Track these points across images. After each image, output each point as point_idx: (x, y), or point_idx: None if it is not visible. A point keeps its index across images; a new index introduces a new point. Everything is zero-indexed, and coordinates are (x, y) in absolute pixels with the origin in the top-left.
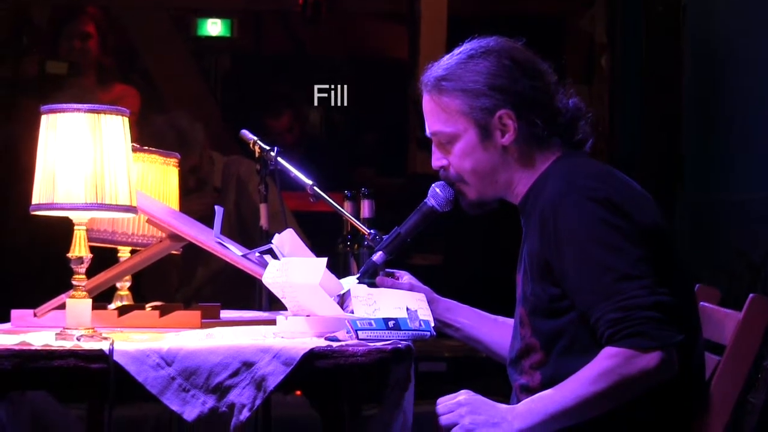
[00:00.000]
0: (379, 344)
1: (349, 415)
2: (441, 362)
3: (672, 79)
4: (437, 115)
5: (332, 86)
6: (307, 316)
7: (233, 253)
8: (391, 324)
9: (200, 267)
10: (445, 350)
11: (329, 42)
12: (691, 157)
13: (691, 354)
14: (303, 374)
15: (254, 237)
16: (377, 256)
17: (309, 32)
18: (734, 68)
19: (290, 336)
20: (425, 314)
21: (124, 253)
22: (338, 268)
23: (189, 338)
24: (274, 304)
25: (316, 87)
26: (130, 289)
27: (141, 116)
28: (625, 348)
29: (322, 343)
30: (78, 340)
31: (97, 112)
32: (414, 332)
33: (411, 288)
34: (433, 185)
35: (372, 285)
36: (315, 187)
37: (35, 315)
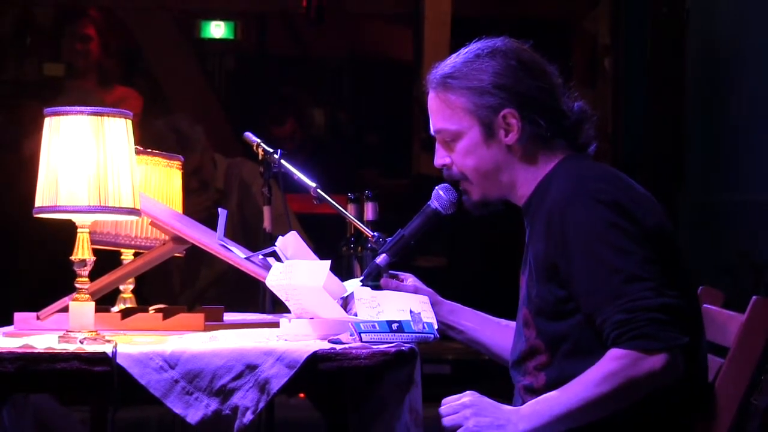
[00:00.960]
0: (382, 347)
1: (352, 417)
2: (445, 365)
3: (675, 81)
4: (442, 112)
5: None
6: (311, 318)
7: (236, 255)
8: (394, 326)
9: (203, 270)
10: (449, 353)
11: (333, 44)
12: (695, 158)
13: (694, 356)
14: (306, 377)
15: (257, 239)
16: (381, 259)
17: (313, 34)
18: (737, 70)
19: (293, 338)
20: (429, 316)
21: (127, 255)
22: (342, 271)
23: (192, 341)
24: (277, 306)
25: (319, 89)
26: (133, 291)
27: (143, 118)
28: (630, 350)
29: (326, 345)
30: (81, 342)
31: (101, 114)
32: (417, 335)
33: (415, 290)
34: (436, 188)
35: (375, 287)
36: (318, 190)
37: (38, 318)
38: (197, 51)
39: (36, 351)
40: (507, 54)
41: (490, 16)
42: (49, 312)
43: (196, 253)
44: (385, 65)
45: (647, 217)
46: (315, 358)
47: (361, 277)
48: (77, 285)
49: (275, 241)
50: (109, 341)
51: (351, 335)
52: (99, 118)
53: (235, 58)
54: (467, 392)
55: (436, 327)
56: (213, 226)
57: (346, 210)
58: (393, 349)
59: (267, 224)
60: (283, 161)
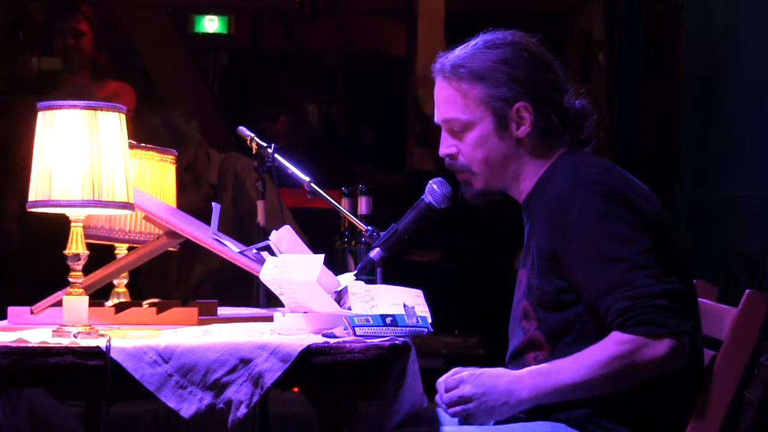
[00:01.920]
0: (376, 341)
1: (346, 411)
2: (438, 359)
3: (670, 76)
4: (454, 102)
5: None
6: (305, 312)
7: (230, 249)
8: (388, 320)
9: (197, 264)
10: (442, 347)
11: (327, 39)
12: (689, 154)
13: (696, 341)
14: (300, 371)
15: (251, 233)
16: (374, 253)
17: (307, 29)
18: (732, 65)
19: (287, 333)
20: (422, 310)
21: (121, 250)
22: (336, 265)
23: (186, 335)
24: (271, 300)
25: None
26: (127, 286)
27: (137, 113)
28: (635, 335)
29: (320, 339)
30: (75, 337)
31: (94, 108)
32: (411, 328)
33: None
34: (430, 182)
35: (369, 281)
36: (312, 184)
37: (32, 312)
38: (191, 46)
39: (30, 345)
40: (519, 46)
41: (484, 12)
42: (43, 306)
43: (190, 247)
44: (379, 61)
45: (647, 206)
46: (309, 352)
47: (355, 271)
48: (71, 279)
49: (269, 235)
50: (102, 335)
51: (345, 329)
52: (92, 112)
53: (228, 53)
54: (464, 375)
55: (429, 321)
56: (207, 221)
57: (339, 204)
58: (387, 343)
59: (261, 218)
60: (276, 155)
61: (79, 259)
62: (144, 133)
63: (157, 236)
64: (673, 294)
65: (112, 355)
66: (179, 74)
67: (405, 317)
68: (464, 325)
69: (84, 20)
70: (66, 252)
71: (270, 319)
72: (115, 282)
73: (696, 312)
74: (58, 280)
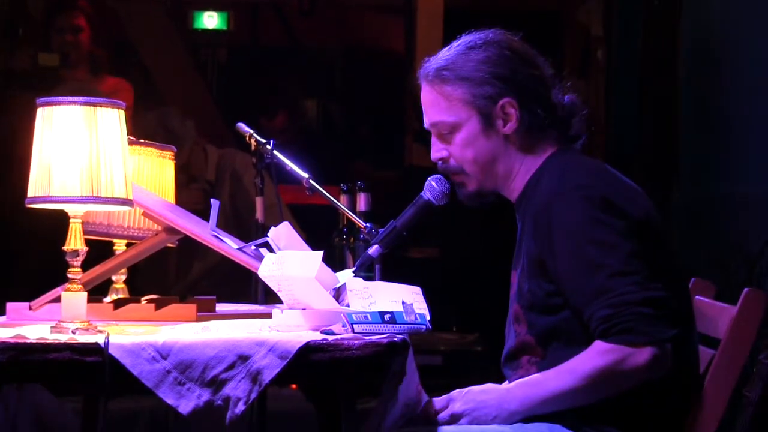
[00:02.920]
0: (374, 338)
1: (344, 408)
2: (437, 356)
3: (668, 73)
4: (438, 105)
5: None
6: (303, 309)
7: (229, 246)
8: (386, 317)
9: (196, 260)
10: (440, 344)
11: (325, 34)
12: (687, 151)
13: (685, 348)
14: (298, 368)
15: (249, 229)
16: (373, 250)
17: (305, 24)
18: (731, 62)
19: (286, 329)
20: (421, 307)
21: (119, 246)
22: (334, 262)
23: (184, 331)
24: (269, 297)
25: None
26: (125, 282)
27: (135, 109)
28: (616, 344)
29: (318, 336)
30: (73, 333)
31: (93, 105)
32: (410, 326)
33: None
34: (429, 178)
35: (368, 278)
36: (311, 180)
37: (30, 308)
38: (190, 41)
39: (28, 341)
40: (500, 44)
41: (483, 8)
42: (42, 302)
43: (188, 243)
44: (377, 56)
45: (634, 208)
46: (307, 348)
47: (354, 268)
48: (69, 275)
49: (268, 231)
50: (101, 331)
51: (343, 326)
52: (92, 108)
53: (227, 49)
54: (453, 394)
55: (428, 318)
56: (204, 219)
57: (338, 201)
58: (385, 340)
59: (259, 215)
60: (275, 152)
61: (78, 255)
62: (139, 130)
63: (155, 232)
64: (655, 301)
65: (111, 351)
66: (178, 70)
67: (403, 314)
68: (463, 322)
69: (82, 15)
70: (65, 248)
71: (268, 315)
72: (114, 278)
73: (687, 315)
74: (57, 276)
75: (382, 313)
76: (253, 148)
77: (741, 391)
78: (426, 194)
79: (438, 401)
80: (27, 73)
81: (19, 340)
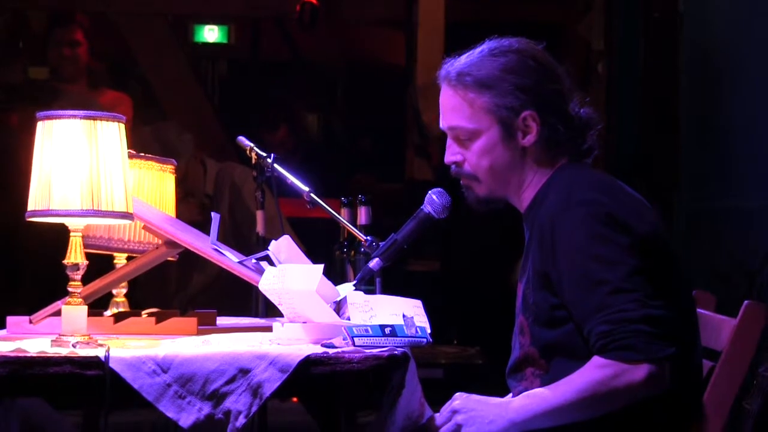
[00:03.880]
0: (375, 351)
1: (345, 421)
2: (438, 369)
3: (669, 86)
4: (460, 110)
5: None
6: (304, 322)
7: (229, 259)
8: (387, 330)
9: (196, 274)
10: (441, 357)
11: (326, 49)
12: (688, 164)
13: (688, 362)
14: (299, 381)
15: (249, 243)
16: (374, 263)
17: (306, 39)
18: (731, 75)
19: (286, 343)
20: (422, 321)
21: (120, 259)
22: (335, 275)
23: (185, 345)
24: (270, 310)
25: (313, 93)
26: (126, 295)
27: (134, 123)
28: (613, 360)
29: (319, 349)
30: (74, 346)
31: (93, 118)
32: (410, 339)
33: None
34: (429, 192)
35: (369, 292)
36: (312, 194)
37: (31, 322)
38: (190, 55)
39: (28, 355)
40: (524, 53)
41: (483, 22)
42: (42, 316)
43: (189, 257)
44: (378, 70)
45: (641, 224)
46: (308, 362)
47: (354, 281)
48: (70, 289)
49: (268, 245)
50: (101, 345)
51: (344, 339)
52: (92, 122)
53: (228, 62)
54: (456, 395)
55: (429, 331)
56: (203, 233)
57: (339, 214)
58: (386, 354)
59: (260, 228)
60: (276, 165)
61: (78, 269)
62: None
63: (156, 246)
64: (654, 319)
65: (111, 365)
66: (179, 83)
67: (404, 327)
68: (464, 335)
69: (79, 30)
70: (65, 261)
71: (269, 329)
72: (114, 292)
73: (693, 330)
74: (57, 290)
75: (382, 327)
76: (253, 161)
77: (741, 403)
78: (426, 207)
79: (439, 416)
80: (23, 86)
81: (20, 354)
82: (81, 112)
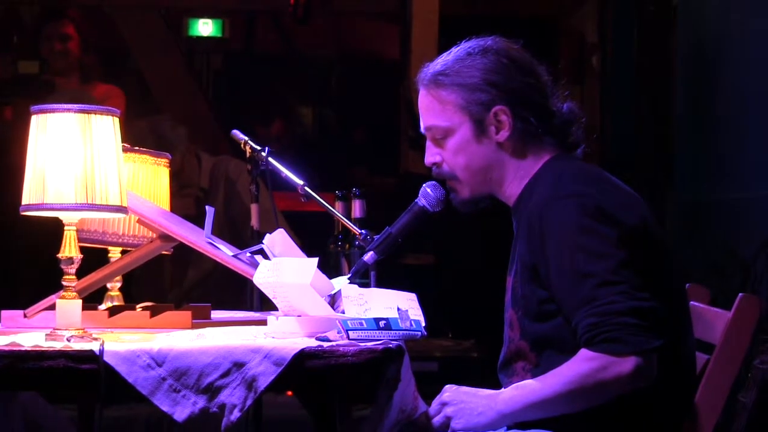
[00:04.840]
0: (370, 344)
1: (339, 415)
2: (432, 362)
3: (663, 79)
4: (433, 109)
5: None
6: (298, 316)
7: (224, 253)
8: (382, 324)
9: (191, 267)
10: (436, 350)
11: (320, 42)
12: (683, 157)
13: (679, 354)
14: (294, 374)
15: (243, 237)
16: (368, 256)
17: (300, 32)
18: (726, 68)
19: (281, 336)
20: (416, 314)
21: (114, 253)
22: (329, 268)
23: (180, 339)
24: (265, 304)
25: (307, 86)
26: (120, 289)
27: (128, 116)
28: (600, 353)
29: (313, 343)
30: (68, 340)
31: (88, 112)
32: (405, 332)
33: None
34: (424, 185)
35: (363, 285)
36: (306, 187)
37: (25, 316)
38: (185, 49)
39: (23, 349)
40: (498, 52)
41: (478, 14)
42: (36, 310)
43: (183, 251)
44: (372, 63)
45: (629, 216)
46: (302, 355)
47: (349, 275)
48: (64, 283)
49: (263, 238)
50: (96, 339)
51: (338, 333)
52: (86, 115)
53: (222, 56)
54: (445, 387)
55: (423, 324)
56: (198, 226)
57: (333, 207)
58: (380, 347)
59: (255, 222)
60: (270, 159)
61: (73, 263)
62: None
63: (150, 240)
64: (641, 311)
65: (106, 358)
66: (173, 77)
67: (399, 321)
68: (458, 329)
69: (71, 24)
70: (59, 255)
71: (264, 322)
72: (109, 285)
73: (683, 322)
74: (52, 284)
75: (377, 320)
76: (248, 155)
77: (736, 396)
78: (421, 201)
79: (430, 409)
80: (14, 80)
81: (14, 348)
82: (75, 105)
